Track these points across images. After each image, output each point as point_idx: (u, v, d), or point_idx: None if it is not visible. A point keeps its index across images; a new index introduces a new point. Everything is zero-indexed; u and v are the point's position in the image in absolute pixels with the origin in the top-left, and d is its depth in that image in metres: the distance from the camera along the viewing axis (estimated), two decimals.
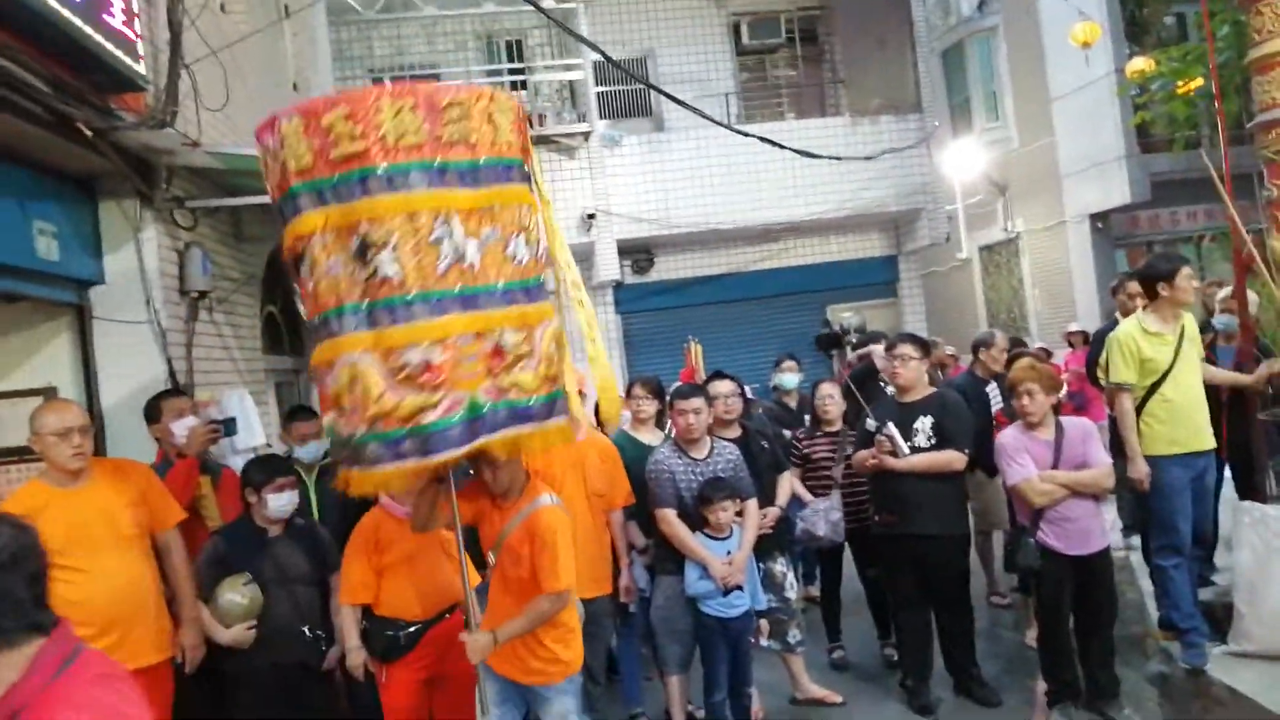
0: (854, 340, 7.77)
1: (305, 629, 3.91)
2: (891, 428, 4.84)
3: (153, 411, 4.49)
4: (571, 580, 3.37)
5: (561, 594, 3.36)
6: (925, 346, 5.25)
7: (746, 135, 8.95)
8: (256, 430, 5.26)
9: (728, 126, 9.25)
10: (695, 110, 7.93)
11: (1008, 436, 4.59)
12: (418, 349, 2.76)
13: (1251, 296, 5.51)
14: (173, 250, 5.27)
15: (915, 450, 4.84)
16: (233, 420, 4.66)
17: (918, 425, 4.87)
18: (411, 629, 3.82)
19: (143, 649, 3.64)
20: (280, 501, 3.95)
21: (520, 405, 2.97)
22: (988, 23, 15.56)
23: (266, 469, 3.99)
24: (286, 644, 3.88)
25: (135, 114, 4.73)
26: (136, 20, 4.56)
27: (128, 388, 4.95)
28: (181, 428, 4.31)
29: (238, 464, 4.53)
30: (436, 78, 12.65)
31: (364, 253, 2.75)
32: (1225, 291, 6.33)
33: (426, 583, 3.92)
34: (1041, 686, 4.72)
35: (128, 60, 4.40)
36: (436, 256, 2.80)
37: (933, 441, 4.84)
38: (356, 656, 3.85)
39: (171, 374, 5.07)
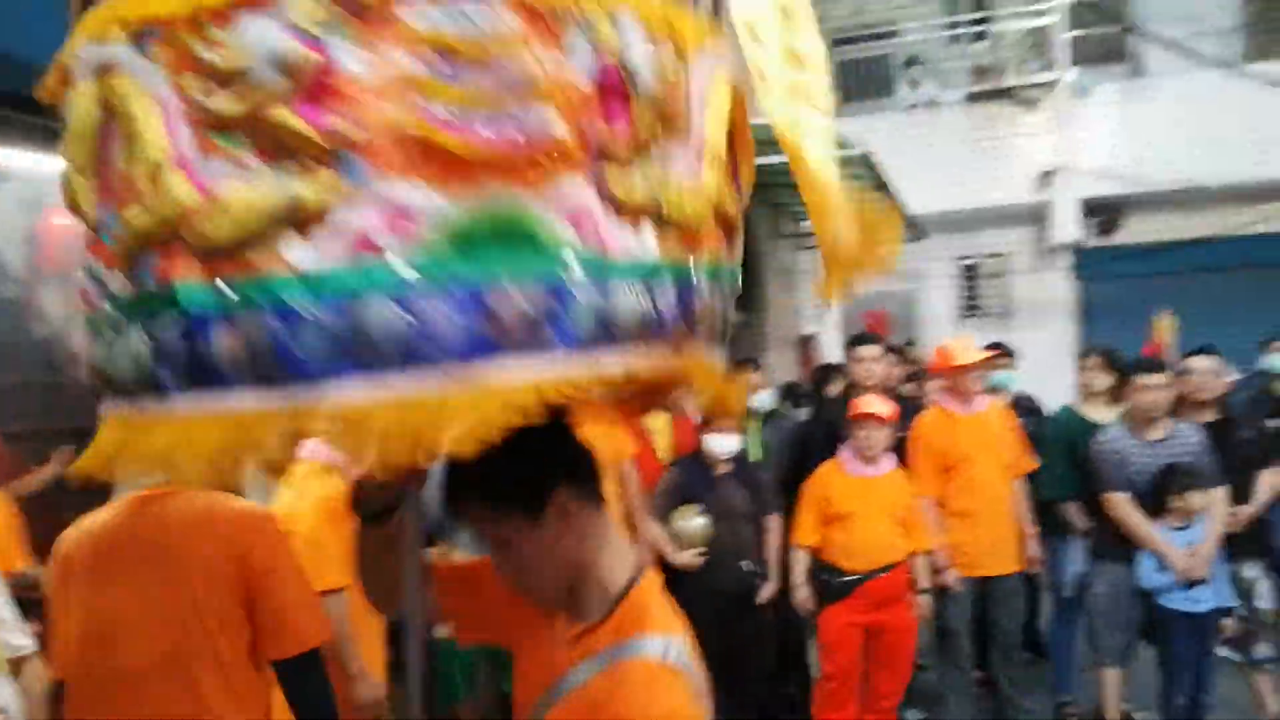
0: None
1: (743, 563, 4.26)
2: None
3: None
4: None
5: None
6: None
7: (1251, 77, 7.79)
8: None
9: (1230, 67, 8.11)
10: (1189, 51, 7.07)
11: None
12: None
13: None
14: None
15: None
16: None
17: None
18: (846, 579, 4.07)
19: None
20: (718, 442, 4.28)
21: (639, 273, 1.13)
22: None
23: None
24: (726, 574, 4.24)
25: None
26: None
27: None
28: None
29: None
30: (894, 34, 12.48)
31: None
32: None
33: (865, 539, 4.19)
34: None
35: None
36: None
37: None
38: (801, 593, 4.26)
39: None
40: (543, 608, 1.43)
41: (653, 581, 1.43)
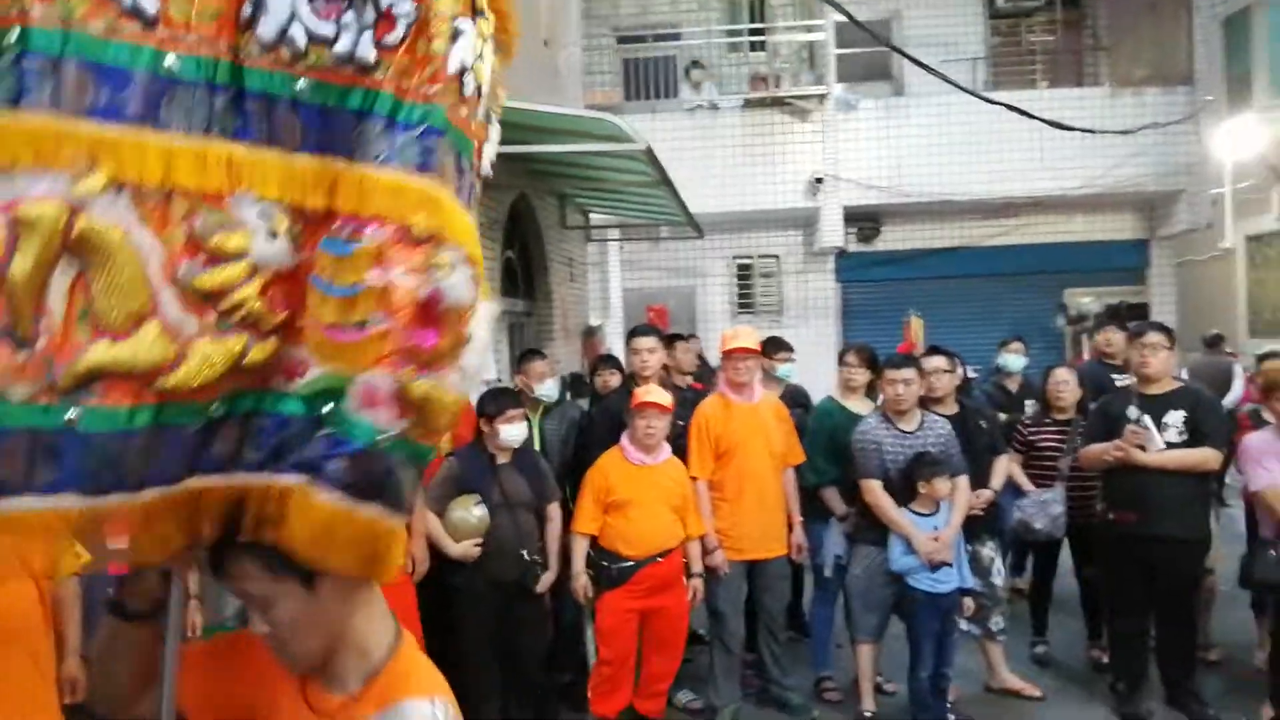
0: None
1: (524, 552, 4.21)
2: (1148, 420, 4.57)
3: None
4: None
5: None
6: (1173, 336, 4.91)
7: (993, 103, 8.55)
8: (489, 365, 5.66)
9: (973, 93, 8.85)
10: (939, 75, 7.64)
11: (1256, 440, 4.26)
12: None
13: None
14: None
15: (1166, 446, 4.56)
16: None
17: (1167, 420, 4.57)
18: (624, 565, 4.11)
19: None
20: (511, 431, 4.21)
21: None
22: None
23: (501, 401, 4.25)
24: (507, 563, 4.18)
25: None
26: None
27: None
28: None
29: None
30: (677, 37, 12.81)
31: None
32: None
33: (644, 526, 4.29)
34: (1268, 713, 4.38)
35: None
36: None
37: (1184, 438, 4.54)
38: (580, 580, 4.30)
39: None
40: (297, 674, 1.34)
41: (411, 645, 1.40)
